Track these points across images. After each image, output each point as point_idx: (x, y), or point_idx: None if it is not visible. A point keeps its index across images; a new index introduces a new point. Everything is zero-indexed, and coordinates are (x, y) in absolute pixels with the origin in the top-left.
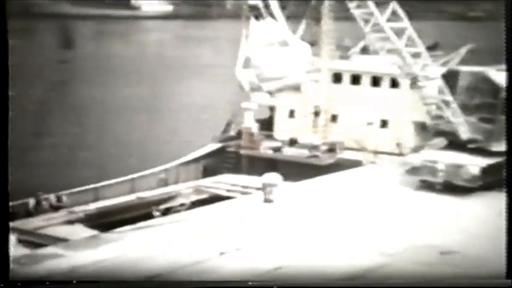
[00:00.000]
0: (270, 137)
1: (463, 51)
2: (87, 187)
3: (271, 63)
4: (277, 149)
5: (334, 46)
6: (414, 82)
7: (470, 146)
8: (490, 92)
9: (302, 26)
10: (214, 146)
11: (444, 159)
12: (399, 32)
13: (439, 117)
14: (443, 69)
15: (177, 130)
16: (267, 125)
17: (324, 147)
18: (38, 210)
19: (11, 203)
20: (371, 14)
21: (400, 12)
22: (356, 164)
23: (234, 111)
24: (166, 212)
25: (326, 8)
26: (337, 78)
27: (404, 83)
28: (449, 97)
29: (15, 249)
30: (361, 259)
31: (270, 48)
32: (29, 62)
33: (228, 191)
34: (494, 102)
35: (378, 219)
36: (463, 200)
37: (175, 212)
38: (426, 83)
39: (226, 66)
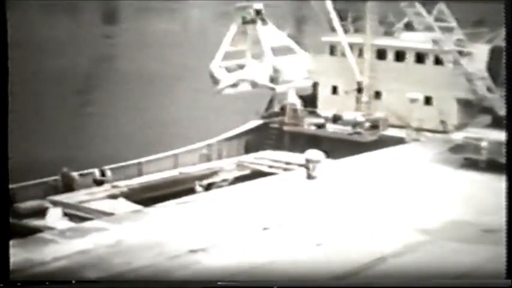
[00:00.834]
0: (313, 114)
1: None
2: (130, 162)
3: (286, 67)
4: (320, 126)
5: (377, 22)
6: (457, 59)
7: None
8: None
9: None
10: (257, 122)
11: (488, 136)
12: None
13: (483, 94)
14: (489, 46)
15: (222, 106)
16: (310, 101)
17: (367, 124)
18: (81, 185)
19: (55, 177)
20: None
21: None
22: (399, 141)
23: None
24: (208, 187)
25: None
26: (381, 54)
27: (448, 59)
28: (494, 74)
29: (59, 224)
30: (402, 236)
31: (281, 52)
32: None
33: (270, 167)
34: None
35: (419, 197)
36: None
37: (217, 187)
38: (470, 59)
39: None
